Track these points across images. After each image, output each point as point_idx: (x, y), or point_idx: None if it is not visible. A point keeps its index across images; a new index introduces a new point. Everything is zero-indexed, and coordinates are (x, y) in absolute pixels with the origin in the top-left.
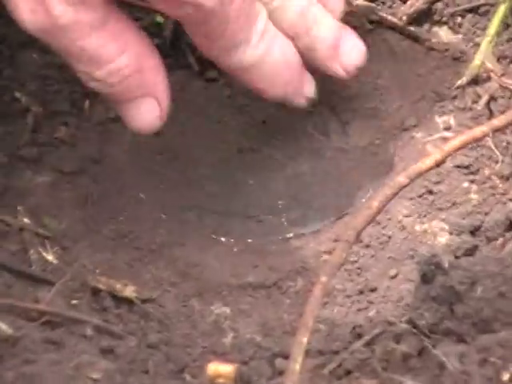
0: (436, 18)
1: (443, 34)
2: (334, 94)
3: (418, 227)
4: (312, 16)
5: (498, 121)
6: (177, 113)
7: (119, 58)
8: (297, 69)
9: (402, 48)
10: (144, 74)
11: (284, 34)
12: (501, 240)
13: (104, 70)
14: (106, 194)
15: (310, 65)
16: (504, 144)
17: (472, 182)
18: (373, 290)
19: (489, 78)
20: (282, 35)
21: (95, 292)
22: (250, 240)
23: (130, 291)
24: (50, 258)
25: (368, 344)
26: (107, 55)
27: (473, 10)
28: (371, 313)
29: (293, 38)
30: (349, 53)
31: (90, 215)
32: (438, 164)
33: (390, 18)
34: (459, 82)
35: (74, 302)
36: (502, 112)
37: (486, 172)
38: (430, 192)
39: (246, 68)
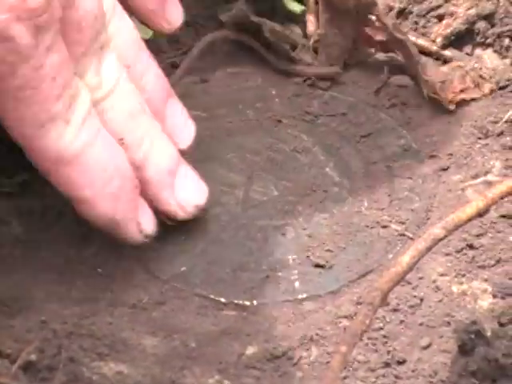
0: (479, 39)
1: (487, 58)
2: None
3: (455, 288)
4: (145, 126)
5: None
6: None
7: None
8: (130, 182)
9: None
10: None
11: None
12: None
13: None
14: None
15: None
16: None
17: None
18: (401, 362)
19: None
20: (109, 135)
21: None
22: (255, 301)
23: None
24: None
25: None
26: None
27: None
28: None
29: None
30: (188, 188)
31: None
32: (481, 213)
33: (420, 41)
34: (506, 116)
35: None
36: None
37: None
38: (471, 246)
39: (63, 158)
